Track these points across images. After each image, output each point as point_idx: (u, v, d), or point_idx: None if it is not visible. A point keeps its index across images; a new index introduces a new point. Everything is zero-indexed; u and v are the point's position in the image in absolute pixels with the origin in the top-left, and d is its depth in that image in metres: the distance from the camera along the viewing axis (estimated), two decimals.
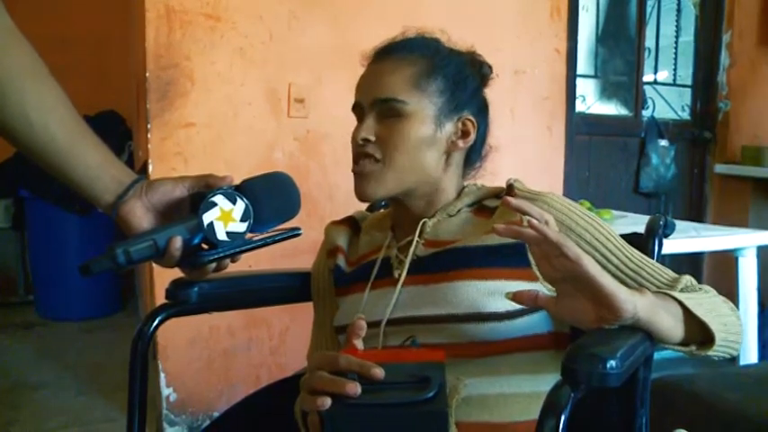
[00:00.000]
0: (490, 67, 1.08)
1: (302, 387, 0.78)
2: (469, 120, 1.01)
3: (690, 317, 0.82)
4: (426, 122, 0.97)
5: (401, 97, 0.96)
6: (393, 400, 0.71)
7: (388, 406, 0.71)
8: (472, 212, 1.03)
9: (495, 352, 0.90)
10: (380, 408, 0.71)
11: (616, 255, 0.94)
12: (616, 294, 0.74)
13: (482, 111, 1.05)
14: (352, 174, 1.00)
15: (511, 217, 0.95)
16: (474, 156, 1.06)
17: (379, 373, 0.73)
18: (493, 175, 1.11)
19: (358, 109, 1.02)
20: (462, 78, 1.01)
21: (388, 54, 1.02)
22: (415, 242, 1.00)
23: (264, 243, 0.85)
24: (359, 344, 0.82)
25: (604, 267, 0.91)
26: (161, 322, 1.06)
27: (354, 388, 0.72)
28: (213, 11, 2.13)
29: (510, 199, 0.79)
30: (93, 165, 0.80)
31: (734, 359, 2.16)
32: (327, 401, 0.72)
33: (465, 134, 1.01)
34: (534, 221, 0.76)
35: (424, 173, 0.99)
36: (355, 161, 1.00)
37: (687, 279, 0.94)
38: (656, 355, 0.99)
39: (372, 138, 0.97)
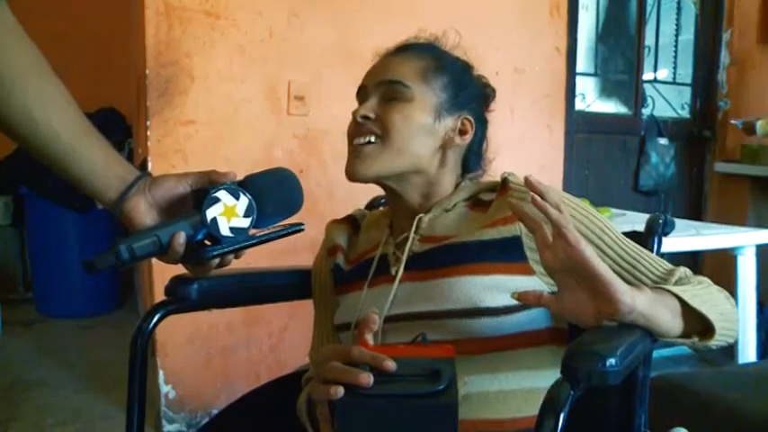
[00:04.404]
0: (493, 90, 1.12)
1: (305, 381, 0.78)
2: (468, 120, 1.04)
3: (688, 309, 0.83)
4: (427, 111, 1.00)
5: (407, 82, 0.99)
6: (405, 392, 0.72)
7: (399, 397, 0.72)
8: (468, 207, 1.03)
9: (493, 348, 0.90)
10: (392, 398, 0.72)
11: (612, 247, 0.94)
12: (613, 284, 0.74)
13: (480, 120, 1.08)
14: None
15: (507, 209, 0.95)
16: (472, 161, 1.08)
17: (391, 365, 0.74)
18: (492, 173, 1.11)
19: (362, 92, 1.04)
20: (467, 82, 1.06)
21: (400, 50, 1.06)
22: (411, 238, 1.01)
23: (268, 238, 0.84)
24: (370, 338, 0.82)
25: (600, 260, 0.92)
26: (160, 319, 1.06)
27: (367, 378, 0.72)
28: (213, 8, 2.13)
29: (531, 181, 0.80)
30: (97, 162, 0.80)
31: (732, 357, 2.16)
32: (341, 390, 0.72)
33: (463, 132, 1.03)
34: (537, 198, 0.77)
35: (417, 159, 1.00)
36: (351, 139, 1.01)
37: (682, 270, 0.95)
38: (656, 354, 1.00)
39: (372, 115, 0.99)
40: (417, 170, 1.01)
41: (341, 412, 0.72)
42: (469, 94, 1.05)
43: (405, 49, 1.06)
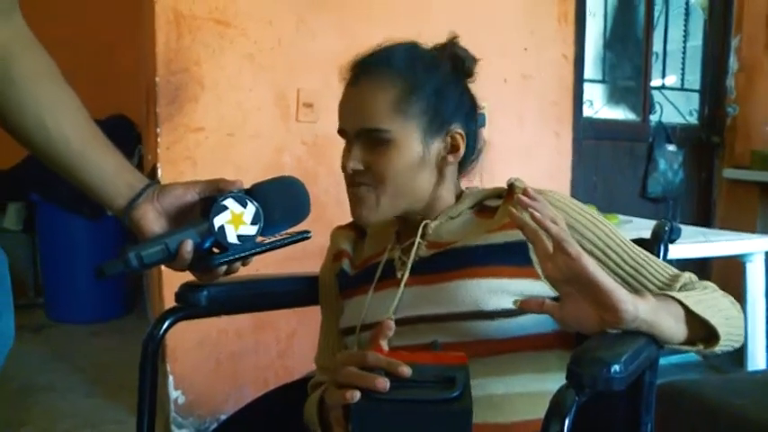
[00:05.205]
0: (474, 59, 1.05)
1: (311, 387, 0.78)
2: (458, 133, 1.01)
3: (691, 315, 0.83)
4: (413, 146, 0.98)
5: (384, 126, 0.96)
6: (420, 397, 0.73)
7: (415, 402, 0.73)
8: (474, 213, 1.04)
9: (499, 350, 0.91)
10: (408, 403, 0.73)
11: (616, 252, 0.94)
12: (615, 293, 0.75)
13: (469, 114, 1.04)
14: None
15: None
16: (467, 159, 1.06)
17: (406, 371, 0.75)
18: (498, 179, 1.11)
19: (344, 134, 1.04)
20: (444, 91, 1.00)
21: (366, 74, 1.01)
22: (416, 243, 1.01)
23: (274, 246, 0.86)
24: (384, 344, 0.83)
25: (605, 265, 0.92)
26: (171, 325, 1.06)
27: (384, 383, 0.73)
28: (222, 16, 2.15)
29: (523, 198, 0.81)
30: (107, 169, 0.82)
31: (741, 364, 2.15)
32: (357, 395, 0.73)
33: (454, 148, 1.01)
34: (537, 214, 0.77)
35: (416, 194, 1.00)
36: (349, 186, 1.01)
37: (687, 276, 0.95)
38: (662, 361, 1.00)
39: (361, 167, 0.99)
40: (418, 200, 1.01)
41: (356, 416, 0.74)
42: (450, 100, 1.01)
43: (371, 70, 1.01)
